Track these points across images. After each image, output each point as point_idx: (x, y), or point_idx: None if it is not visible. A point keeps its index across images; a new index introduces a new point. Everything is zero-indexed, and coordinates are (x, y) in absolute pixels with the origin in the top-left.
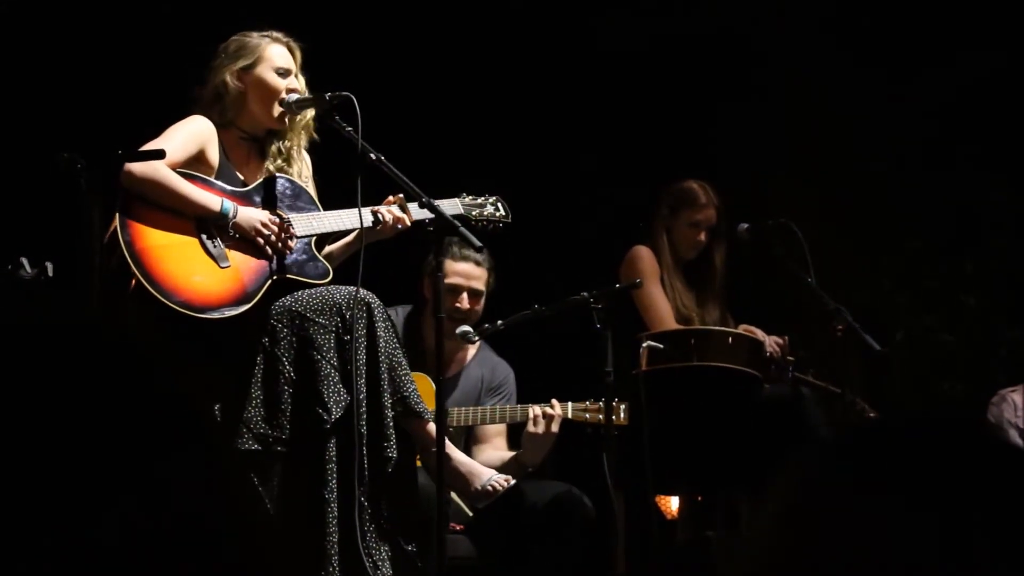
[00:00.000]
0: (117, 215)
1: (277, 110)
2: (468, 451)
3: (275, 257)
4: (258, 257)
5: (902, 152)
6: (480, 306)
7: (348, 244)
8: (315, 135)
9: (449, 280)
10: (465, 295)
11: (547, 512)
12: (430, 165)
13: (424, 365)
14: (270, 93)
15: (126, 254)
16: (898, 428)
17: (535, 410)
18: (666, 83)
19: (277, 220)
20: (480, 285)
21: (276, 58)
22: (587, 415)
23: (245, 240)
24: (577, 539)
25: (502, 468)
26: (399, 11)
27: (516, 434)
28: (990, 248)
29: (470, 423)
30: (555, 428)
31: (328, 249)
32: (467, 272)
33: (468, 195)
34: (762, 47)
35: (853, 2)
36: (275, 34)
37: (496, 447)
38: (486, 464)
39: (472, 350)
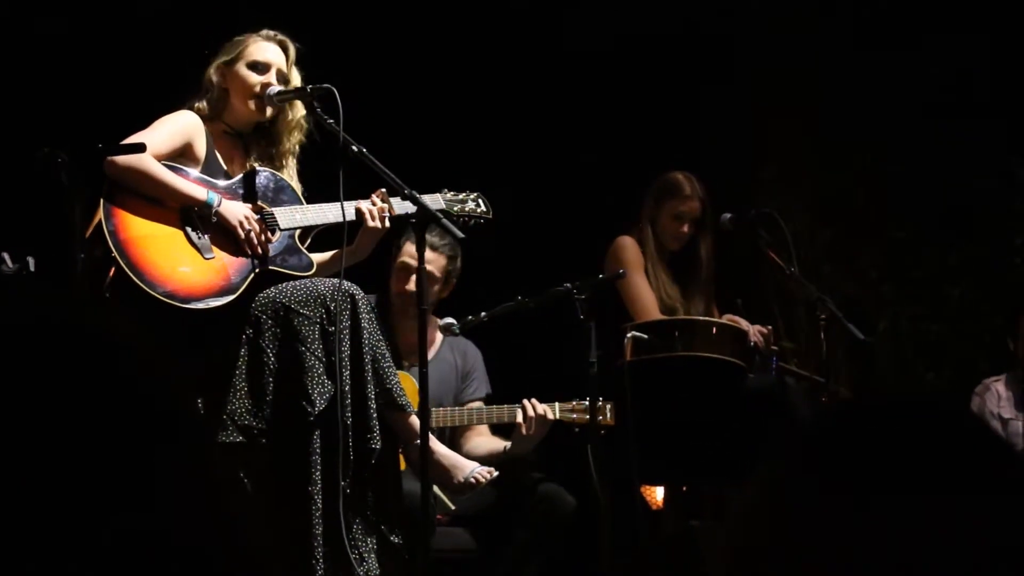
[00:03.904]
0: (101, 204)
1: (255, 104)
2: (455, 441)
3: (253, 254)
4: (241, 250)
5: (887, 142)
6: (436, 289)
7: (329, 262)
8: (304, 139)
9: (402, 259)
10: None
11: (529, 509)
12: (412, 159)
13: (395, 355)
14: (245, 87)
15: (110, 243)
16: (876, 411)
17: (528, 412)
18: (651, 75)
19: (258, 217)
20: (434, 269)
21: (254, 53)
22: (574, 415)
23: (226, 231)
24: (559, 536)
25: (490, 459)
26: (380, 7)
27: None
28: (975, 238)
29: (457, 423)
30: (545, 428)
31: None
32: (413, 253)
33: (449, 191)
34: (748, 39)
35: None
36: (266, 31)
37: (481, 433)
38: (476, 451)
39: (438, 335)
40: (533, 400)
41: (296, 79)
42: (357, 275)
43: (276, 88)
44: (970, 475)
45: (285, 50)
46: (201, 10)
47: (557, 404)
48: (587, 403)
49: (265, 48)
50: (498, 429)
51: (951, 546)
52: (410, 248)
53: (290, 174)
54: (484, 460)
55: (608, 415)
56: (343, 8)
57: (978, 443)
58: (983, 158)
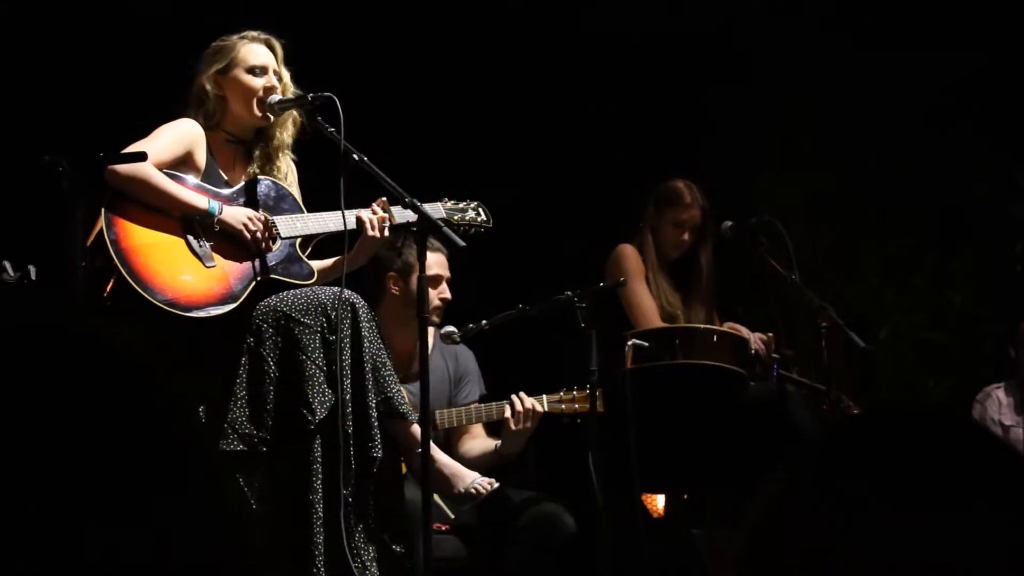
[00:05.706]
0: (103, 213)
1: (259, 109)
2: (450, 444)
3: (259, 254)
4: (243, 258)
5: (888, 150)
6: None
7: (329, 269)
8: (297, 133)
9: (431, 271)
10: (445, 284)
11: (528, 530)
12: (413, 166)
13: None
14: (247, 93)
15: (111, 252)
16: (881, 423)
17: (516, 406)
18: (653, 81)
19: (262, 217)
20: (443, 271)
21: (249, 57)
22: (563, 406)
23: (230, 236)
24: (555, 558)
25: (484, 459)
26: (380, 13)
27: (493, 422)
28: (975, 245)
29: (449, 425)
30: (535, 422)
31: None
32: (442, 262)
33: (450, 200)
34: (750, 44)
35: (843, 1)
36: (251, 33)
37: (475, 436)
38: (471, 454)
39: (430, 342)
40: (521, 394)
41: (287, 77)
42: (357, 283)
43: (277, 96)
44: (975, 484)
45: (272, 49)
46: (202, 14)
47: (544, 396)
48: (575, 391)
49: (257, 51)
50: (493, 430)
51: (955, 556)
52: (428, 256)
53: (285, 169)
54: (478, 461)
55: (598, 403)
56: (343, 16)
57: (983, 452)
58: (983, 164)
